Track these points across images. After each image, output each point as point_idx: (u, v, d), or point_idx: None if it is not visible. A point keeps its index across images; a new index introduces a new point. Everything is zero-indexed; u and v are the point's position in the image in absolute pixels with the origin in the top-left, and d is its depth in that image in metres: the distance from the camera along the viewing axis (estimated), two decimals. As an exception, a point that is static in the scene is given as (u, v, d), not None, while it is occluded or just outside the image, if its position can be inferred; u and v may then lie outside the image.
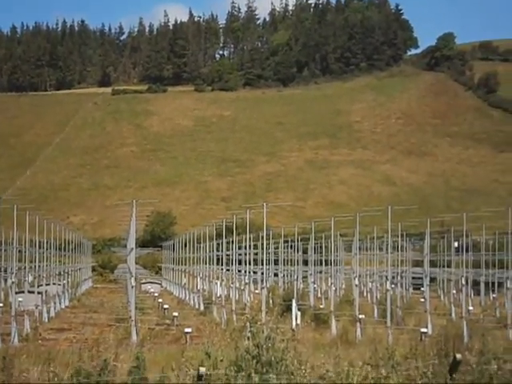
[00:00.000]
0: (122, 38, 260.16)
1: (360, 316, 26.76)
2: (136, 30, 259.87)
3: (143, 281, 58.16)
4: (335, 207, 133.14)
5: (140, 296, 42.79)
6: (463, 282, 30.76)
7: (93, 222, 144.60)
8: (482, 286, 43.84)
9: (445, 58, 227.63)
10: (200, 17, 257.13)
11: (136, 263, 31.65)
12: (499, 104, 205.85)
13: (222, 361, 11.35)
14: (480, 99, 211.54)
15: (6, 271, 43.50)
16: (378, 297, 38.85)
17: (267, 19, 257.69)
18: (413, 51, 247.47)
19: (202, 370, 10.54)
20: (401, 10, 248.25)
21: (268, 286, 39.90)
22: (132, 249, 29.50)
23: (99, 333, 23.29)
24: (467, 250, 42.61)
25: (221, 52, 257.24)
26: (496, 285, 44.46)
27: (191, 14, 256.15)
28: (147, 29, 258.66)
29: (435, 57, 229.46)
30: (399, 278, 42.89)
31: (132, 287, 28.04)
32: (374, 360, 12.21)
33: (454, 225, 38.35)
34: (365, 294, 46.71)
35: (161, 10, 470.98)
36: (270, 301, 35.23)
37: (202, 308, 38.01)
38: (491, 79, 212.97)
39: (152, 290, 52.22)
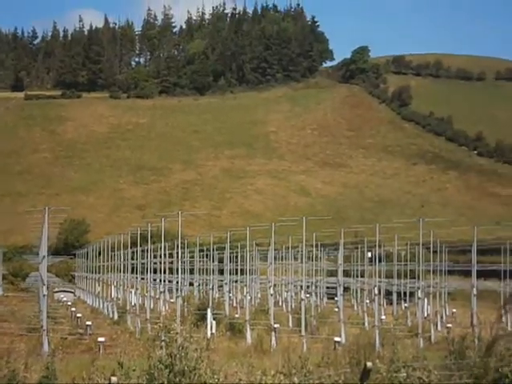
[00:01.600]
0: (35, 42, 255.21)
1: (275, 325, 26.87)
2: (50, 34, 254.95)
3: (56, 289, 57.11)
4: (251, 217, 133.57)
5: (52, 305, 42.00)
6: (376, 292, 31.19)
7: (3, 230, 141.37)
8: (395, 295, 44.52)
9: (359, 70, 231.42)
10: (116, 23, 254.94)
11: (48, 271, 31.07)
12: (411, 117, 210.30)
13: (134, 370, 11.22)
14: (393, 112, 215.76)
15: None
16: (293, 306, 39.07)
17: (183, 27, 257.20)
18: (328, 63, 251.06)
19: (114, 379, 10.37)
20: (316, 22, 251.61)
21: (183, 294, 39.76)
22: (44, 256, 28.95)
23: (9, 343, 22.74)
24: (380, 261, 43.34)
25: (137, 59, 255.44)
26: (408, 294, 45.23)
27: (107, 20, 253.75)
28: (61, 33, 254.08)
29: (350, 69, 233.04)
30: (314, 287, 43.29)
31: (44, 296, 27.49)
32: (287, 368, 12.25)
33: (367, 235, 38.92)
34: (280, 303, 46.92)
35: (75, 15, 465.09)
36: (185, 310, 35.04)
37: (116, 317, 37.57)
38: (404, 93, 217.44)
39: (65, 299, 51.31)
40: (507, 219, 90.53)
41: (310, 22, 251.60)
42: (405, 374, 12.05)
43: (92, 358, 16.31)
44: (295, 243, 40.16)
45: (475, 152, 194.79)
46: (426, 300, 37.34)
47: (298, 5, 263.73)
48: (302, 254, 31.57)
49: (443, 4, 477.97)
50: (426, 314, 35.81)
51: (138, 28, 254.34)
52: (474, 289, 29.70)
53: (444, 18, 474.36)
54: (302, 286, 31.49)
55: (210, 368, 11.54)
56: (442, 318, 38.57)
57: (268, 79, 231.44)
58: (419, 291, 31.85)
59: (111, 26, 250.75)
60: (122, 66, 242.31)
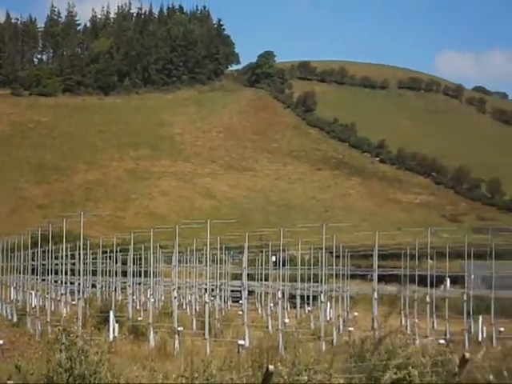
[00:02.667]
0: None
1: (179, 328, 26.72)
2: None
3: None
4: (156, 218, 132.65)
5: None
6: (280, 296, 31.40)
7: None
8: (298, 299, 44.92)
9: (265, 75, 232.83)
10: (18, 19, 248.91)
11: None
12: (316, 123, 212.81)
13: (32, 374, 10.93)
14: (298, 117, 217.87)
15: None
16: (197, 309, 38.95)
17: (88, 26, 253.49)
18: (234, 67, 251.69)
19: (10, 383, 10.09)
20: (222, 25, 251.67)
21: (85, 297, 39.12)
22: None
23: None
24: (284, 264, 43.66)
25: (39, 56, 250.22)
26: (311, 298, 45.68)
27: (8, 16, 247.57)
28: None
29: (256, 73, 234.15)
30: (218, 290, 43.25)
31: None
32: (190, 372, 12.17)
33: (272, 239, 39.13)
34: (184, 306, 46.69)
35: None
36: (87, 312, 34.48)
37: (15, 319, 36.72)
38: (309, 98, 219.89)
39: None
40: (408, 225, 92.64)
41: (216, 25, 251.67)
42: (306, 378, 12.12)
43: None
44: (200, 246, 40.04)
45: (378, 159, 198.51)
46: (328, 304, 37.81)
47: (205, 7, 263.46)
48: (206, 257, 31.49)
49: (347, 12, 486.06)
50: (328, 318, 36.25)
51: (41, 25, 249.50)
52: (375, 293, 30.19)
53: (348, 25, 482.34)
54: (206, 289, 31.42)
55: (111, 371, 11.36)
56: (344, 321, 39.08)
57: (174, 81, 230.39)
58: (322, 295, 32.22)
59: (13, 21, 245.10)
60: (24, 62, 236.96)
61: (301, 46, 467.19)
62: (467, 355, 13.12)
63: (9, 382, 10.14)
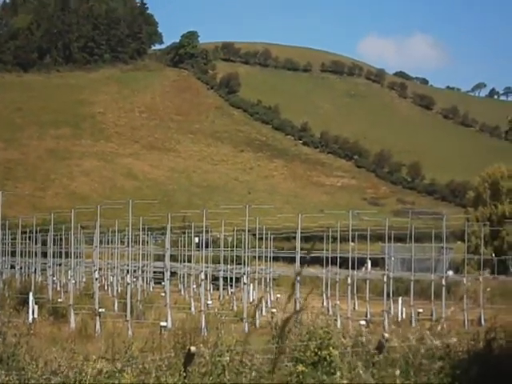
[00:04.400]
0: None
1: (100, 310, 26.46)
2: None
3: None
4: (77, 199, 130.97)
5: None
6: (203, 277, 31.38)
7: None
8: (221, 281, 44.97)
9: (188, 55, 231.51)
10: None
11: None
12: (239, 104, 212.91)
13: None
14: (222, 99, 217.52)
15: None
16: (119, 290, 38.66)
17: (7, 1, 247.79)
18: (157, 46, 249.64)
19: None
20: (145, 4, 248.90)
21: (4, 278, 38.40)
22: None
23: None
24: (207, 246, 43.67)
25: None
26: (234, 280, 45.81)
27: None
28: None
29: (179, 54, 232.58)
30: (140, 271, 42.99)
31: None
32: (111, 354, 12.07)
33: (195, 220, 39.07)
34: (106, 287, 46.31)
35: None
36: (6, 294, 33.83)
37: None
38: (232, 80, 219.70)
39: None
40: (330, 208, 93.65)
41: (139, 4, 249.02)
42: (227, 359, 12.14)
43: None
44: (122, 227, 39.72)
45: (301, 142, 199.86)
46: (251, 285, 37.96)
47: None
48: (128, 238, 31.24)
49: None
50: (251, 300, 36.39)
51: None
52: (298, 276, 30.38)
53: (273, 7, 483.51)
54: (128, 271, 31.17)
55: (29, 353, 11.19)
56: (266, 303, 39.31)
57: (96, 59, 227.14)
58: (245, 277, 32.32)
59: None
60: None
61: (225, 27, 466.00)
62: (386, 336, 13.35)
63: None
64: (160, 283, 45.12)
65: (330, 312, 34.53)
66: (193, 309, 34.39)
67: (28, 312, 26.66)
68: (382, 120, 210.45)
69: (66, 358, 11.09)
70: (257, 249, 39.40)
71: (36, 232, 43.25)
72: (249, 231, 32.84)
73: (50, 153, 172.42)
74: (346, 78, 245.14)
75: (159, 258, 49.85)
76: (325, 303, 39.40)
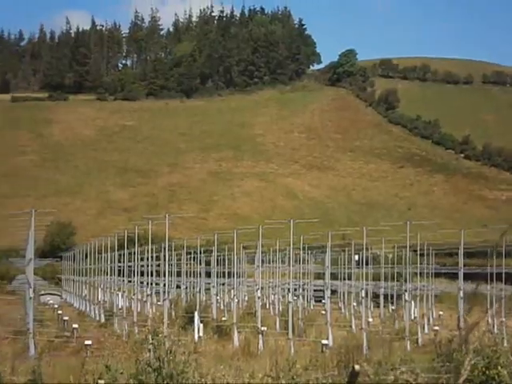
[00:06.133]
0: (21, 44, 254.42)
1: (262, 328, 26.82)
2: (37, 36, 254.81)
3: (42, 292, 56.92)
4: (238, 219, 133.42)
5: (39, 308, 41.85)
6: (363, 295, 31.21)
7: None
8: (382, 298, 44.52)
9: (347, 73, 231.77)
10: (103, 25, 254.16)
11: (35, 274, 30.93)
12: (398, 120, 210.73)
13: (121, 373, 11.16)
14: (380, 115, 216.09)
15: None
16: (281, 309, 39.02)
17: (171, 30, 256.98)
18: (315, 66, 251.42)
19: (101, 382, 10.35)
20: (304, 25, 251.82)
21: (170, 297, 39.65)
22: (30, 259, 28.81)
23: (-5, 346, 22.64)
24: (367, 263, 43.38)
25: (124, 61, 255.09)
26: (395, 297, 45.25)
27: (94, 22, 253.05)
28: (48, 35, 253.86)
29: (337, 72, 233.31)
30: (301, 290, 43.23)
31: (30, 298, 27.36)
32: (275, 371, 12.21)
33: (354, 238, 38.92)
34: (267, 306, 46.85)
35: (62, 17, 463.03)
36: (173, 313, 34.97)
37: (102, 320, 37.45)
38: (391, 96, 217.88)
39: (51, 302, 51.12)
40: (494, 222, 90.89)
41: (297, 25, 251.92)
42: (393, 377, 12.04)
43: (80, 362, 16.23)
44: (283, 246, 40.13)
45: (462, 155, 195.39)
46: (412, 303, 37.40)
47: (286, 7, 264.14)
48: (289, 257, 31.53)
49: (430, 7, 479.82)
50: (413, 317, 35.87)
51: (125, 30, 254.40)
52: (461, 291, 29.75)
53: (431, 21, 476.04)
54: (289, 289, 31.45)
55: (198, 371, 11.51)
56: (428, 320, 38.62)
57: (255, 82, 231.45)
58: (406, 294, 31.90)
59: (98, 28, 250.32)
60: (108, 68, 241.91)
61: (382, 43, 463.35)
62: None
63: (100, 381, 10.40)
64: (320, 301, 45.20)
65: (496, 330, 33.50)
66: (353, 326, 34.27)
67: (194, 331, 27.39)
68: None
69: (232, 376, 11.30)
70: (418, 265, 38.80)
71: (200, 252, 44.44)
72: (410, 247, 32.43)
73: (213, 175, 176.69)
74: (509, 89, 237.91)
75: (319, 276, 50.00)
76: (490, 320, 38.25)
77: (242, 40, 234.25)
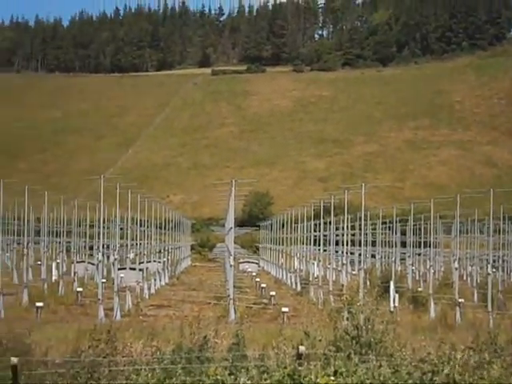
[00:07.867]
0: (221, 19, 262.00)
1: (459, 300, 26.37)
2: (236, 10, 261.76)
3: (241, 260, 58.69)
4: (434, 188, 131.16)
5: (238, 275, 43.21)
6: None
7: (192, 202, 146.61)
8: None
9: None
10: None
11: (234, 243, 31.89)
12: None
13: (320, 340, 11.34)
14: None
15: (108, 248, 44.54)
16: (479, 281, 38.13)
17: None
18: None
19: (302, 348, 10.56)
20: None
21: (365, 267, 39.73)
22: (231, 228, 29.79)
23: (198, 310, 23.64)
24: None
25: (320, 32, 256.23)
26: None
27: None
28: (247, 9, 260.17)
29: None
30: (501, 261, 41.99)
31: (230, 266, 28.32)
32: (476, 344, 11.93)
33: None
34: (464, 277, 45.93)
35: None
36: (368, 282, 35.06)
37: (298, 288, 38.12)
38: None
39: (249, 270, 52.67)
40: None
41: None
42: None
43: (278, 328, 16.68)
44: (481, 216, 39.13)
45: None
46: None
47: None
48: (488, 227, 30.73)
49: None
50: None
51: (321, 1, 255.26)
52: None
53: None
54: (488, 260, 30.64)
55: (397, 341, 11.49)
56: None
57: (453, 48, 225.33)
58: None
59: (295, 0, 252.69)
60: (305, 39, 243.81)
61: None
62: None
63: (301, 346, 10.65)
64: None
65: None
66: None
67: (389, 300, 27.35)
68: None
69: (433, 347, 11.19)
70: None
71: (396, 222, 44.16)
72: None
73: (408, 144, 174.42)
74: None
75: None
76: None
77: (439, 6, 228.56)
